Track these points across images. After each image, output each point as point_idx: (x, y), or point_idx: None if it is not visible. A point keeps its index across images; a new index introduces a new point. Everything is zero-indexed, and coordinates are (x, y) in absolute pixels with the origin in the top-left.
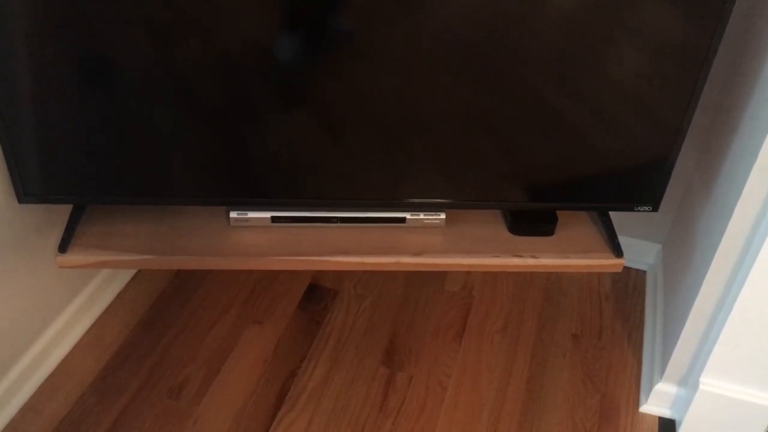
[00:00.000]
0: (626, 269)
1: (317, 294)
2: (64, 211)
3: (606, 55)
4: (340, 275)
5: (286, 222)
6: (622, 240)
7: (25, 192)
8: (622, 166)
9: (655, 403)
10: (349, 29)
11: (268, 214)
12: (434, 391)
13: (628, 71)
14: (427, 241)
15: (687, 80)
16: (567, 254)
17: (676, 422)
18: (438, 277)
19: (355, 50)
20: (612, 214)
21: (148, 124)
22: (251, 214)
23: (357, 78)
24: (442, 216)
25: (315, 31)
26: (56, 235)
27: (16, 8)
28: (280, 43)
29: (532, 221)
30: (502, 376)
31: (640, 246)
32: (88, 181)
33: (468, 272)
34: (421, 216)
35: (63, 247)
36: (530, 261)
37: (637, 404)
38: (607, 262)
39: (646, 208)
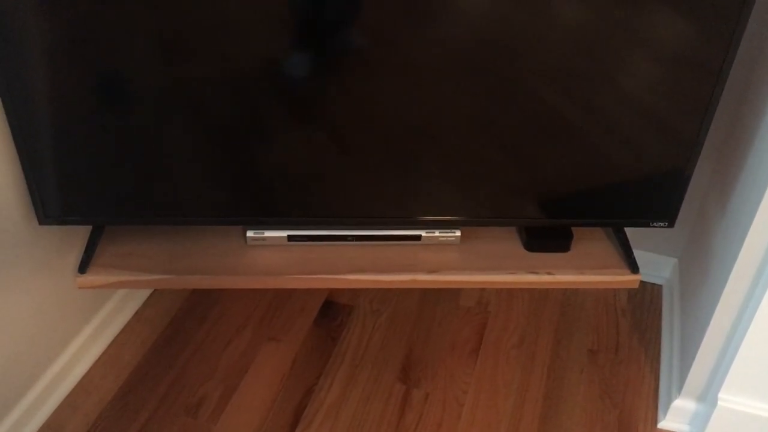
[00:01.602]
0: (642, 284)
1: (333, 310)
2: (83, 232)
3: (621, 69)
4: (356, 292)
5: (302, 240)
6: (638, 254)
7: (45, 214)
8: (638, 182)
9: (674, 420)
10: (360, 46)
11: (284, 233)
12: (451, 408)
13: (643, 86)
14: (442, 259)
15: (702, 94)
16: (583, 270)
17: None
18: (453, 292)
19: (367, 68)
20: (627, 228)
21: (165, 145)
22: (268, 233)
23: (371, 96)
24: (458, 233)
25: (326, 49)
26: (75, 256)
27: (35, 33)
28: (292, 61)
29: (547, 237)
30: (518, 392)
31: (656, 260)
32: (106, 203)
33: (483, 288)
34: (437, 233)
35: (83, 268)
36: (546, 278)
37: (655, 420)
38: (623, 278)
39: (662, 224)
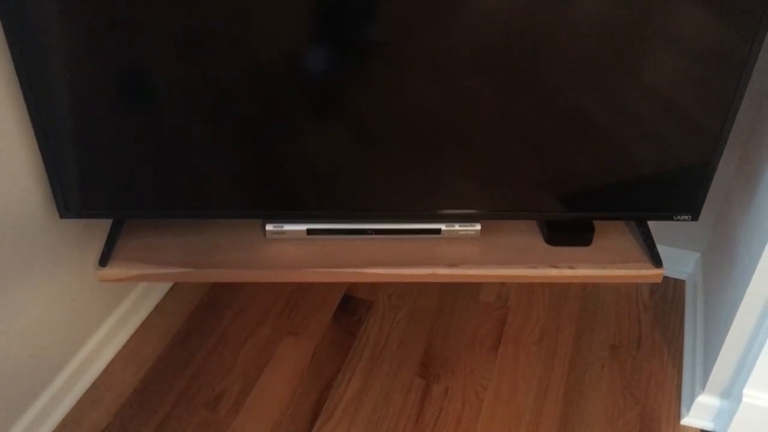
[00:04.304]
0: (665, 279)
1: (352, 305)
2: (104, 225)
3: (643, 62)
4: (375, 286)
5: (321, 234)
6: (661, 249)
7: (66, 207)
8: (661, 174)
9: (697, 416)
10: (381, 40)
11: (303, 227)
12: (471, 403)
13: (666, 78)
14: (462, 253)
15: (726, 87)
16: (605, 265)
17: None
18: (473, 287)
19: (388, 61)
20: (650, 222)
21: (185, 139)
22: (287, 227)
23: (391, 90)
24: (478, 227)
25: (347, 43)
26: (96, 249)
27: (56, 27)
28: (313, 56)
29: (568, 231)
30: (539, 387)
31: (678, 255)
32: (127, 196)
33: (503, 283)
34: (457, 227)
35: (103, 261)
36: (568, 272)
37: (678, 416)
38: (646, 273)
39: (686, 217)
